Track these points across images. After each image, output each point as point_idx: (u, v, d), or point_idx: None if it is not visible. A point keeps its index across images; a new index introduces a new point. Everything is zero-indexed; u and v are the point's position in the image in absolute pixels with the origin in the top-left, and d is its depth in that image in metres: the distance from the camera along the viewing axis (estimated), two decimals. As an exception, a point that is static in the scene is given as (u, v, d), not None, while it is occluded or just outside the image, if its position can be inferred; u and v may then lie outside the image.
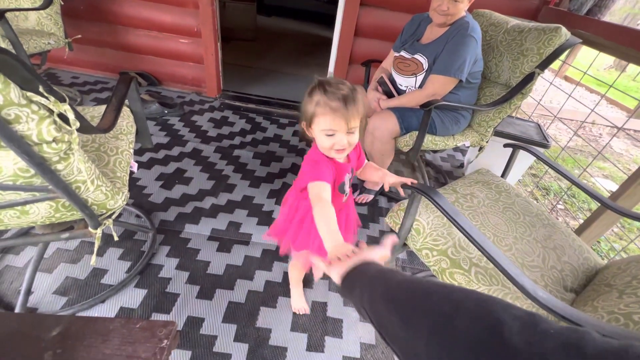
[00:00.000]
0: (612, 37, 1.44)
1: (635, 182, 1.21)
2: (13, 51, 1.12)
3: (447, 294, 0.32)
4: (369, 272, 0.44)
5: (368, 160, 0.95)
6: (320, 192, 0.72)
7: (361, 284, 0.43)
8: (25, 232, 1.25)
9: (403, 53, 1.53)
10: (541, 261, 0.90)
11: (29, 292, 1.02)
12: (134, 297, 1.12)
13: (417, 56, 1.46)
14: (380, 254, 0.51)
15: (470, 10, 1.68)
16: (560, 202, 2.29)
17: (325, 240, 0.61)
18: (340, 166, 0.81)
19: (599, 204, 1.11)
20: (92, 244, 1.27)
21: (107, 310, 1.07)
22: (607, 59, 7.26)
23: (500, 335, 0.25)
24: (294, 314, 1.15)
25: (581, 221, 1.63)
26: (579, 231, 1.42)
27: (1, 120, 0.55)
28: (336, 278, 0.49)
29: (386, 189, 0.87)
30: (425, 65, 1.44)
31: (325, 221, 0.65)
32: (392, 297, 0.37)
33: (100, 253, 1.24)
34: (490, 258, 0.68)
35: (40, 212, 0.78)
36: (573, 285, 0.87)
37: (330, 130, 0.72)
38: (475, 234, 0.71)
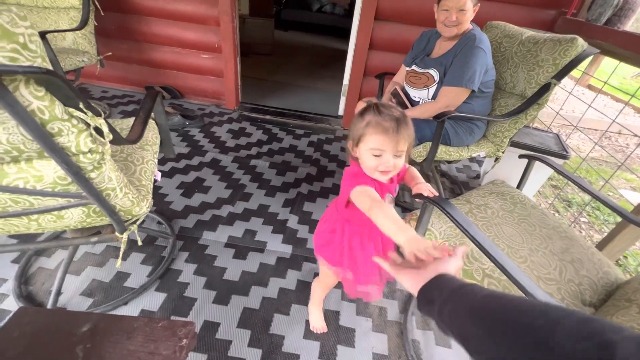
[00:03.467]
0: (632, 46, 1.42)
1: (660, 194, 1.17)
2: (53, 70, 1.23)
3: (543, 311, 0.31)
4: (449, 286, 0.43)
5: (409, 167, 0.91)
6: (369, 194, 0.70)
7: (441, 298, 0.42)
8: (57, 236, 1.34)
9: (415, 67, 1.56)
10: (558, 274, 0.89)
11: (59, 292, 1.09)
12: (154, 300, 1.17)
13: (429, 70, 1.49)
14: (456, 266, 0.50)
15: (484, 22, 1.69)
16: (584, 215, 2.21)
17: (396, 235, 0.58)
18: (381, 184, 0.79)
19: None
20: (117, 248, 1.34)
21: (129, 312, 1.12)
22: (634, 67, 7.00)
23: (612, 356, 0.23)
24: (307, 321, 1.16)
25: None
26: (601, 245, 1.37)
27: (46, 134, 0.62)
28: (410, 288, 0.48)
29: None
30: (437, 78, 1.46)
31: (389, 217, 0.62)
32: (479, 312, 0.36)
33: (124, 257, 1.30)
34: (502, 268, 0.68)
35: (74, 217, 0.85)
36: (592, 300, 0.85)
37: (378, 150, 0.72)
38: (487, 244, 0.71)
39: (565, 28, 1.91)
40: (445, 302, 0.41)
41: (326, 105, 2.87)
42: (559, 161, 1.72)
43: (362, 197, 0.71)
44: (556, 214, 2.20)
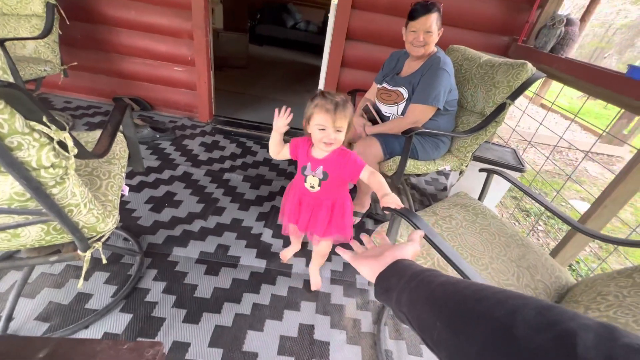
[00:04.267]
0: (573, 72, 1.59)
1: (602, 204, 1.30)
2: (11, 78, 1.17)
3: (501, 300, 0.30)
4: (406, 272, 0.42)
5: (374, 171, 0.99)
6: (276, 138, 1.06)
7: (398, 286, 0.41)
8: (10, 256, 1.24)
9: (385, 85, 1.65)
10: (516, 280, 0.95)
11: (10, 318, 1.01)
12: (118, 321, 1.10)
13: (398, 88, 1.57)
14: (413, 250, 0.50)
15: (446, 45, 1.83)
16: (541, 224, 2.38)
17: (272, 136, 1.05)
18: (309, 154, 1.04)
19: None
20: (78, 267, 1.26)
21: (90, 335, 1.05)
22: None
23: (573, 348, 0.23)
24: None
25: (558, 242, 1.70)
26: (555, 252, 1.49)
27: (4, 148, 0.59)
28: (368, 276, 0.48)
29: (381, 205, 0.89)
30: (406, 95, 1.55)
31: (272, 142, 1.09)
32: (436, 300, 0.35)
33: (86, 277, 1.23)
34: (464, 275, 0.72)
35: (31, 235, 0.80)
36: (546, 303, 0.92)
37: (322, 125, 0.92)
38: (450, 254, 0.76)
39: (517, 53, 2.10)
40: (403, 290, 0.40)
41: (301, 119, 2.91)
42: (516, 174, 1.85)
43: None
44: (516, 223, 2.35)
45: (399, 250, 0.48)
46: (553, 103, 1.83)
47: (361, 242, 0.64)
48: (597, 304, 0.77)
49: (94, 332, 1.07)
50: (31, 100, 0.59)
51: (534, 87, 1.65)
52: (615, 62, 10.02)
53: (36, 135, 0.63)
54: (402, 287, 0.41)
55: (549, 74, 1.73)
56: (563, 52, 1.84)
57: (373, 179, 0.96)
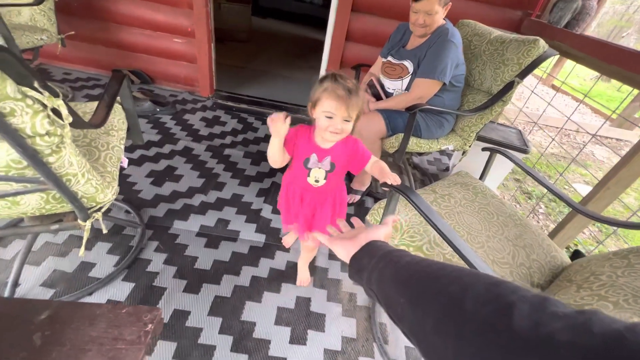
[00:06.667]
0: (587, 49, 1.52)
1: (604, 186, 1.28)
2: (6, 46, 1.15)
3: (456, 277, 0.33)
4: (377, 253, 0.45)
5: (377, 160, 0.95)
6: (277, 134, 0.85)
7: (369, 265, 0.44)
8: (14, 224, 1.26)
9: (390, 58, 1.59)
10: (511, 258, 0.96)
11: (16, 283, 1.04)
12: (121, 290, 1.14)
13: (403, 62, 1.52)
14: (385, 232, 0.53)
15: (456, 19, 1.75)
16: (542, 206, 2.37)
17: (270, 148, 0.87)
18: (312, 143, 0.92)
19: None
20: (81, 237, 1.29)
21: (94, 301, 1.09)
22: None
23: (509, 317, 0.26)
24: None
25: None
26: (554, 233, 1.49)
27: (-3, 113, 0.58)
28: (344, 256, 0.51)
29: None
30: (411, 69, 1.50)
31: (271, 147, 0.88)
32: (401, 279, 0.38)
33: (89, 247, 1.25)
34: (459, 252, 0.72)
35: (31, 203, 0.81)
36: (540, 282, 0.93)
37: (330, 113, 0.82)
38: (446, 230, 0.76)
39: (530, 29, 2.01)
40: (373, 269, 0.43)
41: (303, 96, 2.86)
42: (520, 155, 1.83)
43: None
44: (517, 205, 2.35)
45: (372, 232, 0.51)
46: (563, 82, 1.77)
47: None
48: (589, 283, 0.77)
49: (97, 298, 1.11)
50: (21, 64, 0.57)
51: (546, 67, 1.59)
52: (633, 42, 9.60)
53: (29, 102, 0.62)
54: (372, 267, 0.43)
55: (562, 51, 1.66)
56: (578, 27, 1.76)
57: (376, 167, 0.92)
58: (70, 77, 2.51)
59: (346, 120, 0.84)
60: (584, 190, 2.70)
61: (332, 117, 0.82)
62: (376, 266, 0.43)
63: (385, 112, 1.52)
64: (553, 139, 1.83)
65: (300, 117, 2.59)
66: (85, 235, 0.92)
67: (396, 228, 0.98)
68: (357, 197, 1.78)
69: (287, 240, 1.42)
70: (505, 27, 1.96)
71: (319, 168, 0.94)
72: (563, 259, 1.01)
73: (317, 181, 0.96)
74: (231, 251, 1.36)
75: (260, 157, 2.01)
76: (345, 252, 0.50)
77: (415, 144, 1.57)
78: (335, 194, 1.04)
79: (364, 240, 0.49)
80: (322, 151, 0.93)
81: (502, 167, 1.86)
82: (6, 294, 1.01)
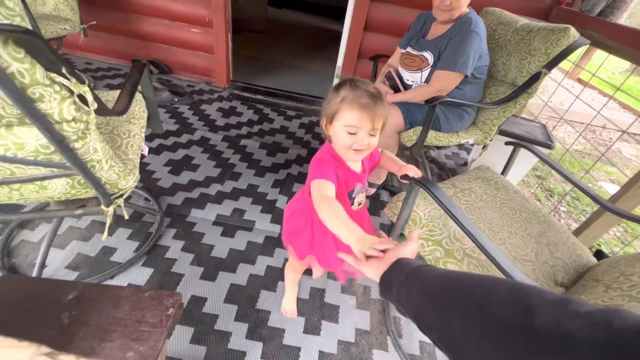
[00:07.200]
0: (623, 39, 1.44)
1: (636, 184, 1.22)
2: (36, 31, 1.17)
3: (479, 282, 0.35)
4: (405, 270, 0.46)
5: (383, 151, 0.90)
6: (323, 191, 0.67)
7: (398, 282, 0.45)
8: (41, 209, 1.31)
9: (409, 49, 1.55)
10: (534, 256, 0.93)
11: (43, 265, 1.08)
12: (141, 274, 1.17)
13: (423, 52, 1.48)
14: (411, 249, 0.53)
15: (480, 7, 1.68)
16: (564, 205, 2.29)
17: (343, 236, 0.57)
18: (350, 172, 0.78)
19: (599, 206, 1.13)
20: (103, 223, 1.33)
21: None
22: (624, 62, 7.10)
23: (532, 318, 0.27)
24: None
25: (582, 223, 1.64)
26: (578, 231, 1.43)
27: (27, 98, 0.60)
28: (373, 276, 0.51)
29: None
30: (431, 61, 1.45)
31: (337, 217, 0.60)
32: (428, 291, 0.40)
33: (110, 232, 1.29)
34: (481, 248, 0.70)
35: (58, 188, 0.83)
36: (564, 280, 0.90)
37: (353, 128, 0.69)
38: (468, 225, 0.74)
39: (559, 17, 1.91)
40: (401, 285, 0.44)
41: (319, 87, 2.83)
42: (544, 151, 1.76)
43: (316, 190, 0.68)
44: (538, 203, 2.27)
45: (399, 250, 0.52)
46: (594, 75, 1.68)
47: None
48: (619, 283, 0.74)
49: (118, 281, 1.14)
50: (50, 50, 0.58)
51: (573, 58, 1.51)
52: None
53: (57, 88, 0.64)
54: (400, 282, 0.45)
55: (593, 40, 1.57)
56: (613, 16, 1.66)
57: (385, 160, 0.87)
58: (92, 66, 2.57)
59: (371, 135, 0.71)
60: (610, 188, 2.58)
61: (356, 132, 0.69)
62: (405, 282, 0.44)
63: (403, 105, 1.48)
64: (580, 134, 1.75)
65: (316, 108, 2.56)
66: (108, 221, 0.94)
67: (415, 222, 0.96)
68: (373, 190, 1.77)
69: (287, 307, 1.15)
70: (532, 16, 1.87)
71: (362, 193, 0.83)
72: (589, 258, 0.97)
73: (359, 204, 0.86)
74: (247, 240, 1.38)
75: (275, 148, 2.02)
76: (374, 271, 0.51)
77: (434, 137, 1.53)
78: (365, 208, 0.94)
79: (392, 259, 0.50)
80: (361, 177, 0.80)
81: (524, 162, 1.80)
82: (34, 273, 1.06)
